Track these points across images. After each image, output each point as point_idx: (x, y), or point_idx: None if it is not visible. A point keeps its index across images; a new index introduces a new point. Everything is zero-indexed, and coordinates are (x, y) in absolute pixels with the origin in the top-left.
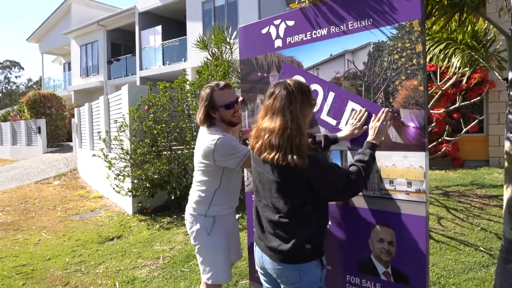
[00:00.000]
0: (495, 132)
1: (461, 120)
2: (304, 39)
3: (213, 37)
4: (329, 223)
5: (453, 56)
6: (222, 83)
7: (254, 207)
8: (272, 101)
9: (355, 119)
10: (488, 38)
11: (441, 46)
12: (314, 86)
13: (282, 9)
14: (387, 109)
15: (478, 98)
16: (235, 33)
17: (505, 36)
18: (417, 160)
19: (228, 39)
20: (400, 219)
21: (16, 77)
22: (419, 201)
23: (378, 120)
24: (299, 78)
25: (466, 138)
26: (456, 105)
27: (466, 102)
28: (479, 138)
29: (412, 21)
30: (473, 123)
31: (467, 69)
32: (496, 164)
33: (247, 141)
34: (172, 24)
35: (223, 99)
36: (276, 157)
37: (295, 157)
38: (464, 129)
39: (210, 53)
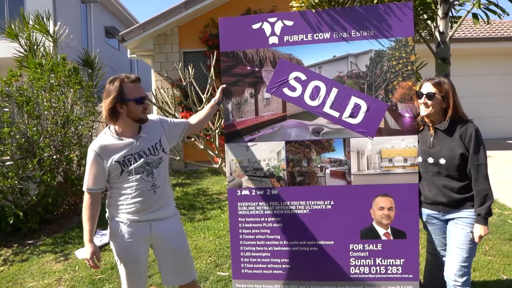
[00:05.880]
0: None
1: None
2: (305, 39)
3: (30, 25)
4: (332, 202)
5: None
6: (132, 76)
7: None
8: None
9: None
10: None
11: None
12: (315, 83)
13: None
14: None
15: None
16: (58, 24)
17: (433, 54)
18: (411, 141)
19: (52, 31)
20: (398, 188)
21: None
22: (413, 172)
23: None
24: (298, 74)
25: None
26: None
27: None
28: None
29: (407, 37)
30: None
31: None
32: None
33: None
34: None
35: (134, 93)
36: None
37: None
38: None
39: (23, 45)
